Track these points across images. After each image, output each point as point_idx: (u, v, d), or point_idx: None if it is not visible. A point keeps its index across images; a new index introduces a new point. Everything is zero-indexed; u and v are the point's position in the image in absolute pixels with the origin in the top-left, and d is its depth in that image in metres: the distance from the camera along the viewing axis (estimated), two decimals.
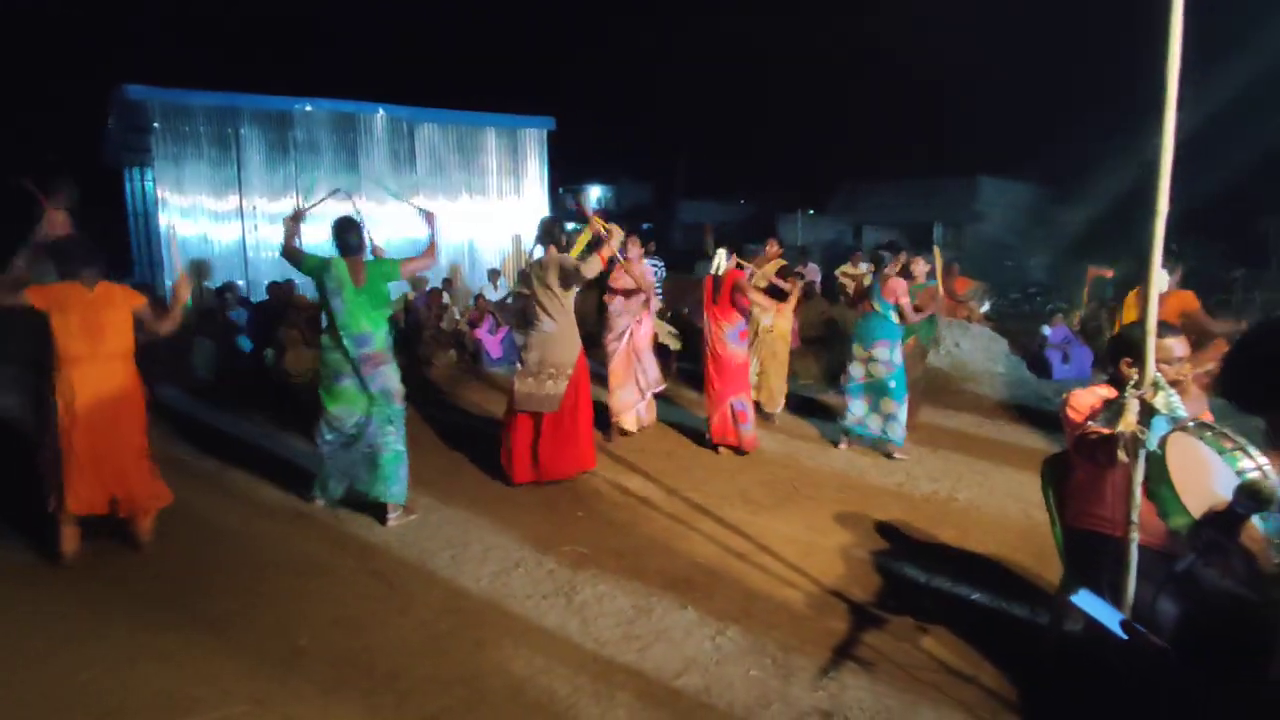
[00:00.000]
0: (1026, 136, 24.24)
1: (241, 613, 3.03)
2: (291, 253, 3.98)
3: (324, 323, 3.95)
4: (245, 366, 7.60)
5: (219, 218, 9.77)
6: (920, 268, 5.91)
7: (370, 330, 3.85)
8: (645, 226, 26.13)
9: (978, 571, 3.46)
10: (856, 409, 5.33)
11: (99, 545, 3.51)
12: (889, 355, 5.18)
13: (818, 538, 3.83)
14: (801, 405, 6.71)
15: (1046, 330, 8.71)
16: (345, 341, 3.81)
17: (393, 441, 3.91)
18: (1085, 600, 1.35)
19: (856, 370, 5.31)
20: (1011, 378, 8.23)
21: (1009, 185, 23.32)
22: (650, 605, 3.06)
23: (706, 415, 5.40)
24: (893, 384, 5.17)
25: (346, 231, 3.91)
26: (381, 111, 10.72)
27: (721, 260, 5.33)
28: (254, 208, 9.95)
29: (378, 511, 3.95)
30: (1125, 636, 1.24)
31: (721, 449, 5.29)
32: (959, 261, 9.97)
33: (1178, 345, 2.37)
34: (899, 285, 5.13)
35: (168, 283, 9.40)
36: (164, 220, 9.42)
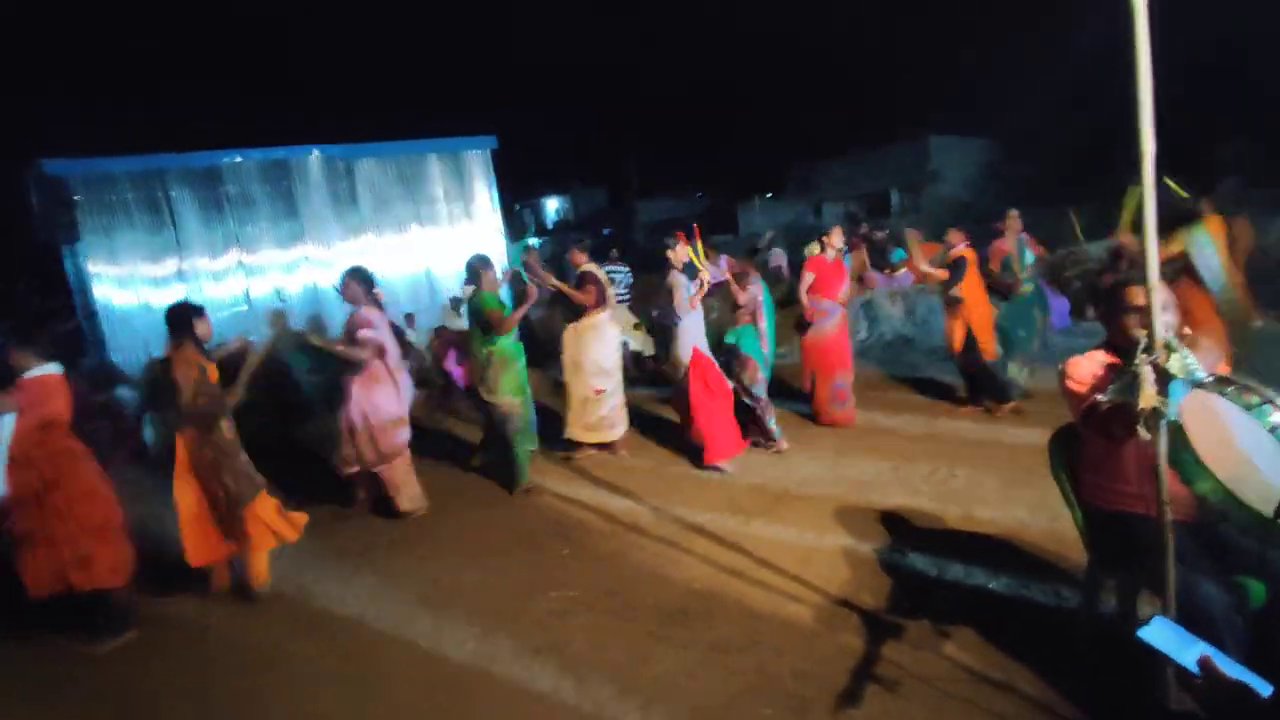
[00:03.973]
0: (971, 91, 24.36)
1: None
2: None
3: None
4: None
5: (158, 284, 9.35)
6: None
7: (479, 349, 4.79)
8: (606, 231, 25.92)
9: (991, 555, 3.25)
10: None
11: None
12: None
13: (816, 540, 3.61)
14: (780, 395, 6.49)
15: None
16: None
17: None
18: (1158, 634, 1.11)
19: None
20: None
21: (960, 142, 23.40)
22: (648, 650, 2.81)
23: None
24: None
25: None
26: (315, 153, 10.35)
27: (817, 249, 5.56)
28: (195, 269, 9.55)
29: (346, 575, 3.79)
30: (1199, 674, 1.00)
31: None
32: (919, 226, 9.76)
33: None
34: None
35: (114, 357, 8.98)
36: (99, 294, 8.99)
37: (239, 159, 9.82)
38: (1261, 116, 14.80)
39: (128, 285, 9.13)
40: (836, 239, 5.57)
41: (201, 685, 3.00)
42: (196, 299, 9.38)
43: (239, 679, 3.00)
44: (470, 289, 5.07)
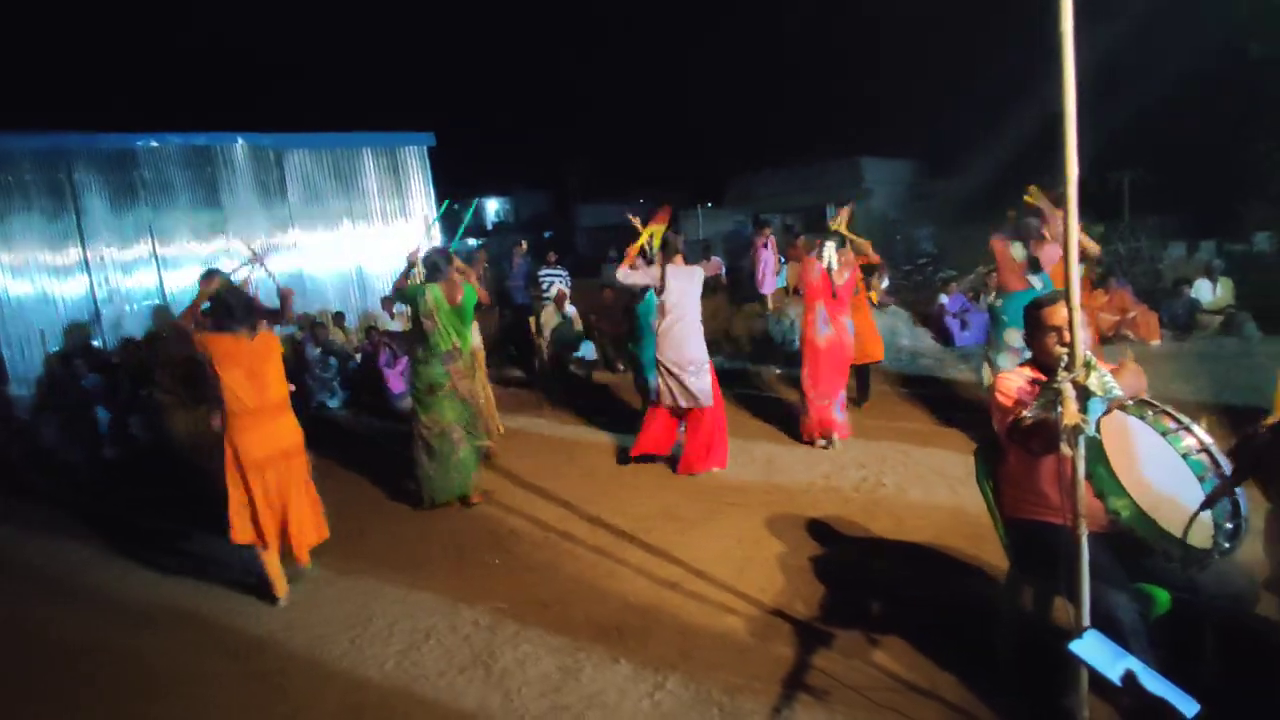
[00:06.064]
0: (899, 115, 25.41)
1: None
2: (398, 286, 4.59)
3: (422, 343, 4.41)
4: (104, 440, 6.70)
5: (59, 273, 8.66)
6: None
7: (460, 346, 4.42)
8: (547, 235, 25.68)
9: (917, 563, 3.34)
10: None
11: None
12: None
13: (751, 550, 3.62)
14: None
15: (944, 299, 8.96)
16: (438, 358, 4.36)
17: (472, 439, 4.48)
18: (1088, 648, 1.13)
19: (1004, 360, 4.63)
20: (917, 348, 8.44)
21: (888, 163, 24.38)
22: (579, 664, 2.74)
23: (807, 411, 5.21)
24: None
25: (439, 260, 4.44)
26: (241, 141, 9.83)
27: (832, 253, 5.10)
28: (101, 258, 8.90)
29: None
30: (1122, 689, 1.03)
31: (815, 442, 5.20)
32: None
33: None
34: (1055, 252, 4.47)
35: (4, 352, 8.26)
36: None
37: (155, 143, 9.23)
38: (1154, 147, 15.89)
39: (22, 274, 8.43)
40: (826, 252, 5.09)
41: (90, 713, 2.75)
42: (102, 291, 8.83)
43: (137, 704, 2.77)
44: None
